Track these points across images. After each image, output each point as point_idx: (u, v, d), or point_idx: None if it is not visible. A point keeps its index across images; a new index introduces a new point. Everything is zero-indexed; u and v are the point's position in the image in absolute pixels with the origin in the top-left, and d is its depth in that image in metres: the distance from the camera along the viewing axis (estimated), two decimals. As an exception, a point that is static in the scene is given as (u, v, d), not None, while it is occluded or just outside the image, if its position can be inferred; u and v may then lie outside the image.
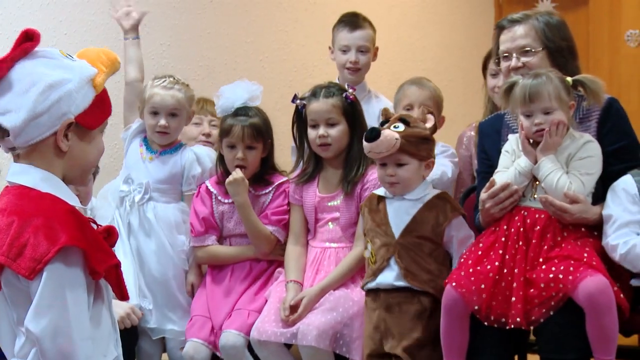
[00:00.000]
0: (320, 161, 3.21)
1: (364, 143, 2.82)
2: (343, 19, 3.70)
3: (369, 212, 2.93)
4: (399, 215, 2.87)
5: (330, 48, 3.75)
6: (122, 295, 1.85)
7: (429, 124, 2.89)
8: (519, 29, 2.94)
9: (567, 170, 2.72)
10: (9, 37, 3.76)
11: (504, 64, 2.98)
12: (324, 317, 2.96)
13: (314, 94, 3.16)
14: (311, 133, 3.15)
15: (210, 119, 3.59)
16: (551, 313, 2.56)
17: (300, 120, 3.21)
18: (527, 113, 2.73)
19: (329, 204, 3.16)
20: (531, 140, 2.77)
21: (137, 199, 3.26)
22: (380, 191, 2.94)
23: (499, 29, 3.02)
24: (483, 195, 2.79)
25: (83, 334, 1.73)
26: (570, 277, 2.53)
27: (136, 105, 3.36)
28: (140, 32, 3.49)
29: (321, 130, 3.12)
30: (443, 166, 3.29)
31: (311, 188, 3.21)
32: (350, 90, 3.16)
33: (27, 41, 1.78)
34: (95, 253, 1.76)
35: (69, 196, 1.82)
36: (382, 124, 2.88)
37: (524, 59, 2.92)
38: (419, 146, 2.84)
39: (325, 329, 2.93)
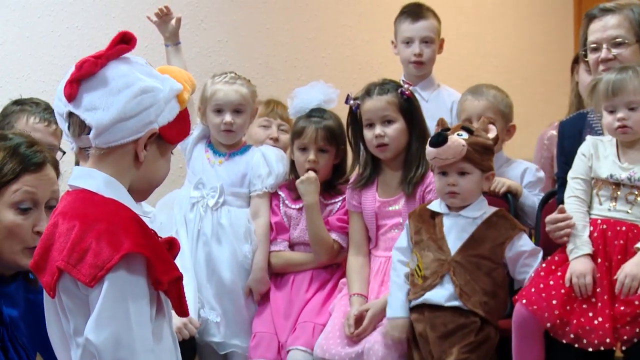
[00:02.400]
0: (378, 164, 3.12)
1: (429, 149, 2.78)
2: (405, 10, 3.63)
3: (421, 223, 2.87)
4: (456, 232, 2.82)
5: (393, 42, 3.66)
6: (182, 310, 1.80)
7: (491, 135, 2.85)
8: (612, 19, 2.84)
9: None
10: (60, 35, 3.83)
11: (592, 56, 2.88)
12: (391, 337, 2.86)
13: (368, 92, 3.07)
14: (367, 134, 3.07)
15: (279, 123, 3.50)
16: None
17: (355, 122, 3.13)
18: (610, 108, 2.65)
19: (390, 208, 3.06)
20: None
21: (211, 204, 3.19)
22: (434, 206, 2.88)
23: (589, 18, 2.92)
24: (547, 217, 2.74)
25: (145, 346, 1.68)
26: (668, 291, 2.47)
27: (193, 110, 3.31)
28: (196, 29, 3.42)
29: (377, 130, 3.02)
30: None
31: (370, 193, 3.11)
32: (406, 86, 3.07)
33: (123, 43, 1.78)
34: (159, 263, 1.72)
35: (131, 204, 1.79)
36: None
37: (615, 51, 2.83)
38: (482, 156, 2.80)
39: (392, 349, 2.84)
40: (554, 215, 2.69)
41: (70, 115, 1.74)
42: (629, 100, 2.61)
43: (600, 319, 2.50)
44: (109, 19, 3.85)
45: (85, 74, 1.73)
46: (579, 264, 2.58)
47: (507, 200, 3.14)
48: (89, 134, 1.73)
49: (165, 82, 1.79)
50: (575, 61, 3.46)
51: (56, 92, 1.78)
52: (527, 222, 3.11)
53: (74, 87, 1.73)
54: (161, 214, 3.26)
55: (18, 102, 2.91)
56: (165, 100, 1.77)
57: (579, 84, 3.41)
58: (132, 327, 1.65)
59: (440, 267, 2.78)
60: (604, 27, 2.84)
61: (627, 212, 2.61)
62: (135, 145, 1.76)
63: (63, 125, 1.78)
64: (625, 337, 2.48)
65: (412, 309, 2.82)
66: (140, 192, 1.83)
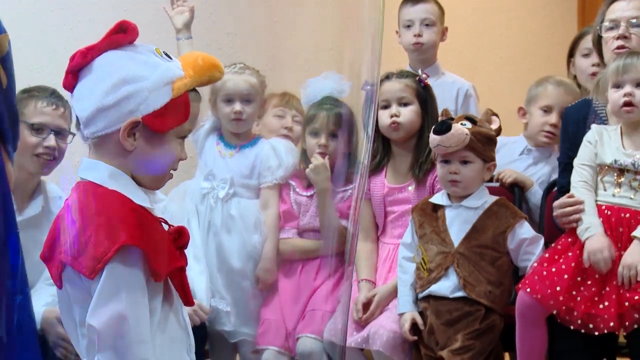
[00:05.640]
0: (389, 149, 3.14)
1: (432, 136, 2.80)
2: None
3: (424, 217, 2.90)
4: (458, 223, 2.84)
5: (397, 32, 3.67)
6: (187, 300, 1.81)
7: (494, 126, 2.87)
8: (634, 1, 2.86)
9: None
10: (72, 27, 3.84)
11: (608, 35, 2.87)
12: (396, 324, 2.90)
13: (387, 76, 3.11)
14: (382, 114, 3.07)
15: (294, 114, 3.51)
16: None
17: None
18: (617, 84, 2.66)
19: (399, 195, 3.09)
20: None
21: (222, 195, 3.22)
22: (437, 199, 2.90)
23: (610, 0, 2.92)
24: (555, 202, 2.74)
25: (140, 336, 1.69)
26: (671, 279, 2.49)
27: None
28: (205, 21, 3.41)
29: (393, 109, 3.05)
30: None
31: (379, 178, 3.14)
32: (424, 76, 3.12)
33: (120, 33, 1.76)
34: (157, 254, 1.71)
35: (136, 195, 1.77)
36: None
37: (632, 30, 2.83)
38: (485, 145, 2.83)
39: (397, 334, 2.88)
40: (563, 199, 2.71)
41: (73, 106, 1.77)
42: (637, 77, 2.63)
43: (606, 304, 2.53)
44: (120, 11, 3.86)
45: (76, 65, 1.73)
46: (593, 242, 2.58)
47: (513, 193, 3.16)
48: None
49: (157, 70, 1.73)
50: (570, 55, 3.47)
51: None
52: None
53: (69, 78, 1.74)
54: (173, 204, 3.27)
55: (25, 91, 2.95)
56: (150, 89, 1.71)
57: (576, 75, 3.42)
58: (126, 318, 1.66)
59: (444, 260, 2.81)
60: (625, 8, 2.85)
61: (631, 198, 2.63)
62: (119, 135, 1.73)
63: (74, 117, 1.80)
64: (627, 323, 2.51)
65: (419, 300, 2.86)
66: (144, 181, 1.79)
